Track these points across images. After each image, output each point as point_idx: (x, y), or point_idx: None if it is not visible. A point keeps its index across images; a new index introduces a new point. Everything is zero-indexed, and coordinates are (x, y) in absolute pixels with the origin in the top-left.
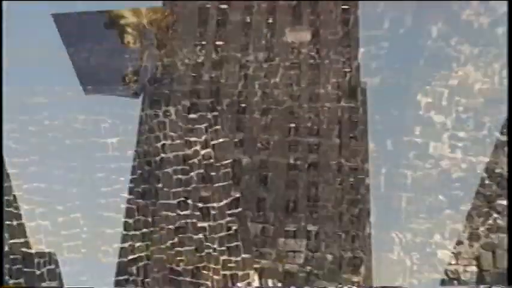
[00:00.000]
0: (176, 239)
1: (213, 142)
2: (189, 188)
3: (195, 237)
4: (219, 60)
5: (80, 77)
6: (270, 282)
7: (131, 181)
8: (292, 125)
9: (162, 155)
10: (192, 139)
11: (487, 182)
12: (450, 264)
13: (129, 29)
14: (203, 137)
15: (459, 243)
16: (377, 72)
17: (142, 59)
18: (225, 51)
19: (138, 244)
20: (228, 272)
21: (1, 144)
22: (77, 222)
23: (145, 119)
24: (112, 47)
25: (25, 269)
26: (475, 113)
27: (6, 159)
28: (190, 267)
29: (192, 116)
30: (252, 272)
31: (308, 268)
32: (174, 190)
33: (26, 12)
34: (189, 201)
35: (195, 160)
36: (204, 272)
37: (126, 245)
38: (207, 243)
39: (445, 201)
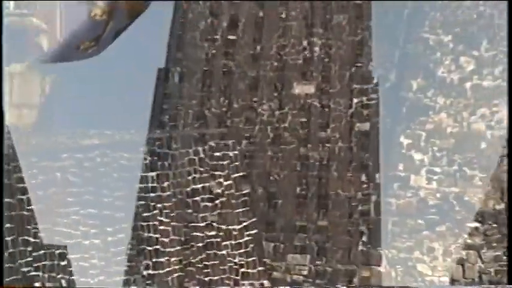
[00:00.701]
0: (204, 255)
1: (233, 175)
2: (214, 213)
3: (219, 253)
4: (240, 109)
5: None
6: None
7: (167, 208)
8: (299, 162)
9: (193, 186)
10: (217, 173)
11: (457, 208)
12: (427, 275)
13: (100, 3)
14: (226, 172)
15: (435, 258)
16: (367, 118)
17: (106, 29)
18: (246, 101)
19: (173, 259)
20: (246, 282)
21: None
22: (123, 241)
23: (178, 157)
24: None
25: (81, 279)
26: (447, 152)
27: (67, 190)
28: (215, 277)
29: (217, 154)
30: (266, 282)
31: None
32: (202, 215)
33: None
34: (215, 224)
35: (219, 190)
36: (227, 281)
37: (163, 259)
38: (229, 258)
39: (423, 224)
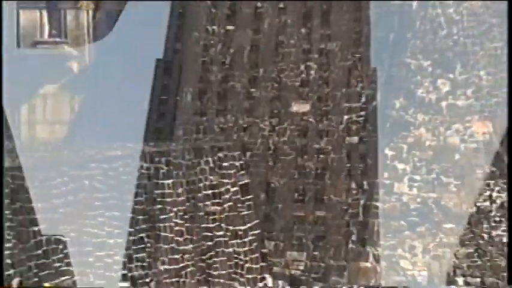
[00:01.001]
0: (213, 252)
1: (239, 183)
2: (222, 216)
3: (227, 250)
4: (245, 125)
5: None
6: (280, 283)
7: (181, 210)
8: (296, 171)
9: (204, 192)
10: (225, 180)
11: (435, 211)
12: (409, 270)
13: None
14: (232, 179)
15: (415, 255)
16: (356, 133)
17: (96, 16)
18: (250, 118)
19: (186, 256)
20: (250, 276)
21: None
22: (143, 240)
23: (191, 166)
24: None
25: (106, 273)
26: (426, 162)
27: (94, 195)
28: (223, 272)
29: (224, 164)
30: (267, 276)
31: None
32: (212, 217)
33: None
34: (223, 225)
35: (227, 196)
36: (233, 275)
37: (177, 256)
38: (235, 255)
39: (405, 225)
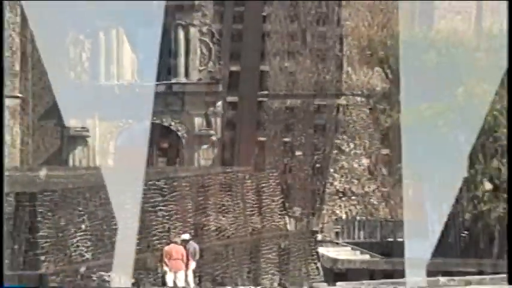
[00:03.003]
0: (264, 208)
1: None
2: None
3: (271, 207)
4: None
5: None
6: (291, 219)
7: (253, 189)
8: (302, 173)
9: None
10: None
11: (351, 189)
12: (339, 214)
13: None
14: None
15: (341, 208)
16: (320, 162)
17: None
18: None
19: (256, 209)
20: (279, 216)
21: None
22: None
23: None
24: None
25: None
26: (348, 172)
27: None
28: (269, 215)
29: (275, 173)
30: (286, 217)
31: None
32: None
33: None
34: (269, 197)
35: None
36: (273, 215)
37: (252, 210)
38: (274, 209)
39: (337, 197)
